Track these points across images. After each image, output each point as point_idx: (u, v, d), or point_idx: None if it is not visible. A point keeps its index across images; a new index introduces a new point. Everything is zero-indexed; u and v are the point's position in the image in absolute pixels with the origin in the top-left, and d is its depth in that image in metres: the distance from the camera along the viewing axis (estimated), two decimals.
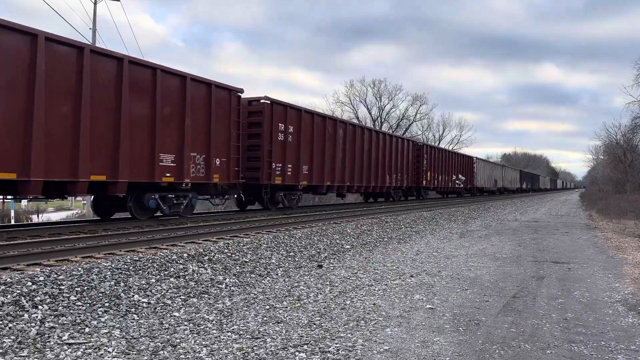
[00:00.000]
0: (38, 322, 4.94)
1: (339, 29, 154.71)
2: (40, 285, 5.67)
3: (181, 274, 7.18)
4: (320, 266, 9.13)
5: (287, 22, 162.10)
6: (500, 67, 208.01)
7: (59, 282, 5.85)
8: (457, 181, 37.98)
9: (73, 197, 11.14)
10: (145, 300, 6.09)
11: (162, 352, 4.55)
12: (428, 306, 6.44)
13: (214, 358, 4.45)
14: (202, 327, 5.34)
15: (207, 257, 8.11)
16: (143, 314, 5.69)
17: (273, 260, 8.94)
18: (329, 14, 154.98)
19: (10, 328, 4.71)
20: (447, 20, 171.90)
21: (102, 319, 5.33)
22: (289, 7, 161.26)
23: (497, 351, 4.80)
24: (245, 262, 8.46)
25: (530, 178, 79.01)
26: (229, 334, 5.12)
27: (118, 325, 5.23)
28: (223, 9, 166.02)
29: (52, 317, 5.13)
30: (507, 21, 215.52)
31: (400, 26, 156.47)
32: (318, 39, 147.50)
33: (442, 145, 53.49)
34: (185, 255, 7.90)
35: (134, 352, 4.51)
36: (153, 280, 6.69)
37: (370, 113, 58.39)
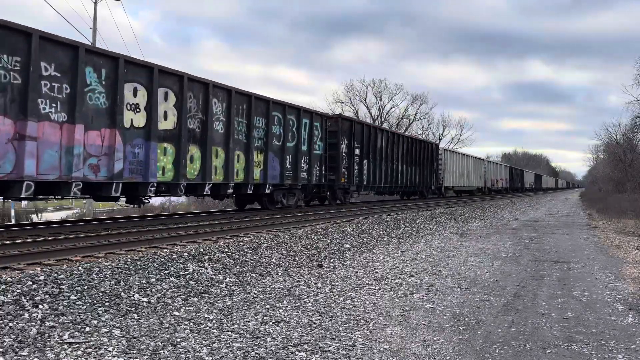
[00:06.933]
0: (38, 322, 4.94)
1: (319, 25, 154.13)
2: (41, 284, 5.68)
3: (181, 273, 7.19)
4: (320, 265, 9.13)
5: (264, 17, 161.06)
6: (489, 64, 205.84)
7: (59, 282, 5.85)
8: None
9: (73, 198, 11.75)
10: (146, 299, 6.09)
11: (162, 351, 4.55)
12: (428, 305, 6.44)
13: (214, 357, 4.45)
14: (203, 326, 5.34)
15: (208, 256, 8.12)
16: (143, 314, 5.69)
17: (273, 260, 8.94)
18: (306, 8, 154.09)
19: (10, 327, 4.71)
20: (429, 14, 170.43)
21: (103, 318, 5.33)
22: (264, 1, 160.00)
23: (497, 350, 4.80)
24: (246, 261, 8.46)
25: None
26: (229, 333, 5.12)
27: (118, 324, 5.23)
28: (195, 2, 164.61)
29: (53, 316, 5.13)
30: (491, 16, 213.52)
31: (381, 21, 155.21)
32: (299, 35, 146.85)
33: (442, 145, 53.48)
34: (185, 254, 7.90)
35: (134, 352, 4.51)
36: (153, 280, 6.70)
37: (370, 112, 58.42)
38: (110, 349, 4.54)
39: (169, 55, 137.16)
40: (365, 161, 21.60)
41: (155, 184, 11.28)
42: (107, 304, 5.72)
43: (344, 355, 4.56)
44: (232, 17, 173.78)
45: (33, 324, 4.88)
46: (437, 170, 32.06)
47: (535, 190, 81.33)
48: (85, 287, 5.92)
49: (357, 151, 20.82)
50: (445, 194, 35.25)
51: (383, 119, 58.80)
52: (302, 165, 17.06)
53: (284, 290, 7.14)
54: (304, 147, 17.21)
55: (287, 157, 16.28)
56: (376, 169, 22.71)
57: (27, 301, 5.26)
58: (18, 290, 5.39)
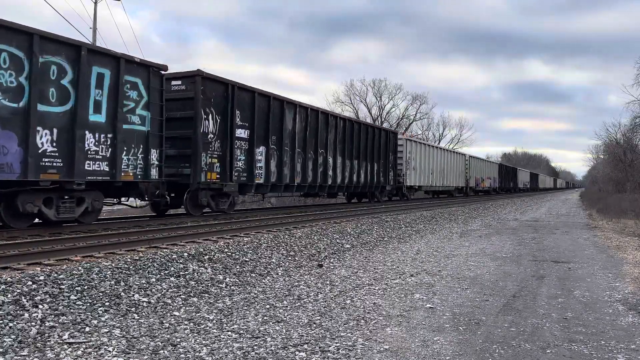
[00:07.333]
0: (38, 322, 4.94)
1: (318, 24, 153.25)
2: (41, 284, 5.68)
3: (181, 273, 7.19)
4: (320, 265, 9.13)
5: (263, 17, 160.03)
6: (489, 64, 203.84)
7: (59, 282, 5.85)
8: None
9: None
10: (146, 299, 6.09)
11: (162, 351, 4.55)
12: (428, 305, 6.44)
13: (214, 357, 4.45)
14: (203, 326, 5.34)
15: (208, 256, 8.12)
16: (143, 314, 5.70)
17: (273, 260, 8.95)
18: (305, 8, 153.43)
19: (10, 327, 4.71)
20: (428, 14, 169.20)
21: (103, 318, 5.33)
22: (263, 1, 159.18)
23: (497, 350, 4.80)
24: (246, 261, 8.46)
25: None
26: (229, 333, 5.13)
27: (118, 324, 5.23)
28: (194, 2, 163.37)
29: (53, 316, 5.13)
30: (490, 16, 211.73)
31: (381, 21, 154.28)
32: (298, 35, 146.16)
33: (442, 145, 53.12)
34: (185, 254, 7.90)
35: (134, 352, 4.51)
36: (153, 280, 6.70)
37: (370, 112, 58.51)
38: (110, 349, 4.54)
39: (168, 55, 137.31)
40: (261, 149, 14.92)
41: None
42: (107, 304, 5.72)
43: (344, 355, 4.56)
44: (232, 17, 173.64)
45: (33, 324, 4.88)
46: (396, 166, 25.54)
47: (531, 190, 78.19)
48: (85, 287, 5.92)
49: (242, 132, 14.11)
50: (410, 195, 28.71)
51: (383, 119, 58.89)
52: (93, 148, 10.01)
53: (284, 290, 7.14)
54: (98, 117, 10.09)
55: (44, 131, 9.14)
56: (285, 160, 16.02)
57: (27, 301, 5.26)
58: (18, 290, 5.39)
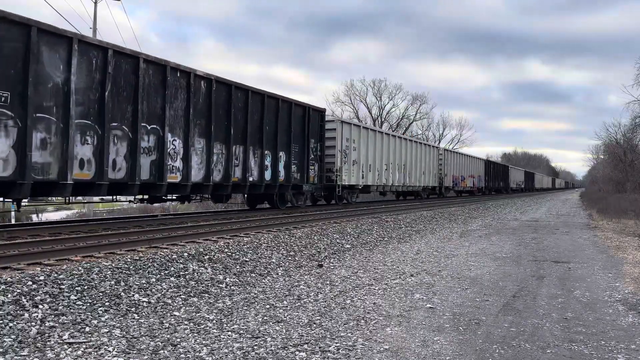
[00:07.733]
0: (38, 322, 4.94)
1: (318, 24, 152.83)
2: (41, 284, 5.68)
3: (181, 273, 7.19)
4: (320, 265, 9.13)
5: (262, 17, 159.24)
6: (488, 64, 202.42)
7: (59, 282, 5.85)
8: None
9: (72, 198, 8.94)
10: (146, 299, 6.09)
11: (162, 351, 4.55)
12: (428, 305, 6.44)
13: (214, 357, 4.45)
14: (203, 326, 5.34)
15: (208, 256, 8.12)
16: (143, 314, 5.69)
17: (273, 260, 8.95)
18: (305, 8, 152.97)
19: (10, 327, 4.71)
20: (427, 14, 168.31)
21: (103, 319, 5.33)
22: (262, 0, 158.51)
23: (497, 350, 4.80)
24: (246, 261, 8.46)
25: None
26: (230, 333, 5.13)
27: (118, 324, 5.23)
28: (194, 2, 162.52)
29: (53, 316, 5.13)
30: (490, 16, 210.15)
31: (380, 21, 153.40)
32: (297, 35, 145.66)
33: (442, 145, 52.52)
34: (185, 254, 7.90)
35: (135, 352, 4.51)
36: (153, 280, 6.70)
37: (370, 112, 58.50)
38: (110, 349, 4.54)
39: (167, 55, 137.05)
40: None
41: None
42: (107, 304, 5.72)
43: (344, 355, 4.56)
44: (231, 16, 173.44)
45: (33, 324, 4.88)
46: (324, 158, 18.38)
47: (527, 191, 73.30)
48: (85, 287, 5.92)
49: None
50: (352, 198, 21.92)
51: (383, 119, 58.90)
52: None
53: (284, 290, 7.14)
54: None
55: None
56: (41, 138, 8.76)
57: (27, 301, 5.26)
58: (18, 290, 5.39)
